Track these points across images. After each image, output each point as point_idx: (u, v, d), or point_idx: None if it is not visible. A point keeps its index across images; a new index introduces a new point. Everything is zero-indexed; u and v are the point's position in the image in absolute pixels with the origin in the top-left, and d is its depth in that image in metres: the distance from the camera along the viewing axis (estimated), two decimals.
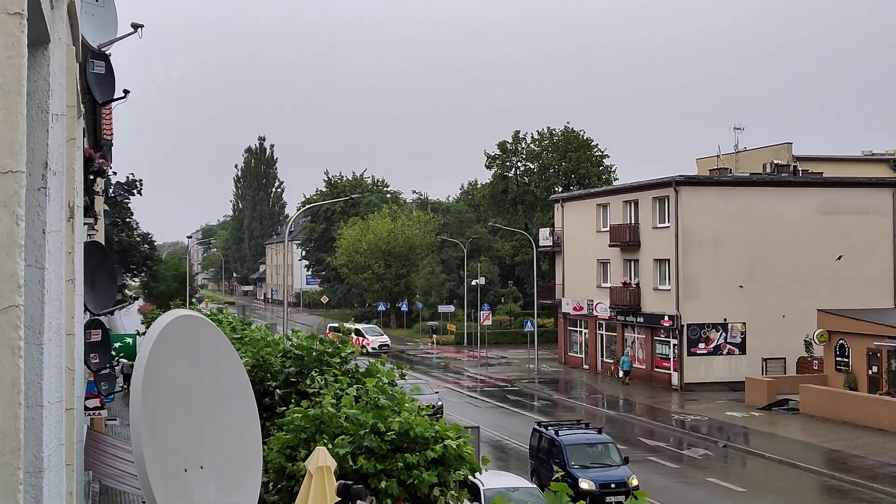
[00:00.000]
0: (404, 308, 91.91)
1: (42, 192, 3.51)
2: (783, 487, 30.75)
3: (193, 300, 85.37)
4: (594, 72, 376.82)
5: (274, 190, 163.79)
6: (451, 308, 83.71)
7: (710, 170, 62.19)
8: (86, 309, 12.51)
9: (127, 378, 34.29)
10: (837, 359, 44.80)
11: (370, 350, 66.01)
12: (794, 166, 60.85)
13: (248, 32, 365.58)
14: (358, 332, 66.92)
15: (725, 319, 52.65)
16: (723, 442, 37.94)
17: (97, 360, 15.58)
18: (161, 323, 4.63)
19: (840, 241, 53.72)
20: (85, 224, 12.37)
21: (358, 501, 8.59)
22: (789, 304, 52.01)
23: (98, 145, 16.55)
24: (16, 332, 2.30)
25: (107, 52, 12.15)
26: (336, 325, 67.33)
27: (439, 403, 39.98)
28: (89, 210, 14.60)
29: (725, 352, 52.80)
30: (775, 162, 60.87)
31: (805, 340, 48.94)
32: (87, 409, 17.74)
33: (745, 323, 52.69)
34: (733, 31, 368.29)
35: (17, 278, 2.30)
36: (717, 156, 67.37)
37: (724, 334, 52.80)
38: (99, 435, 20.92)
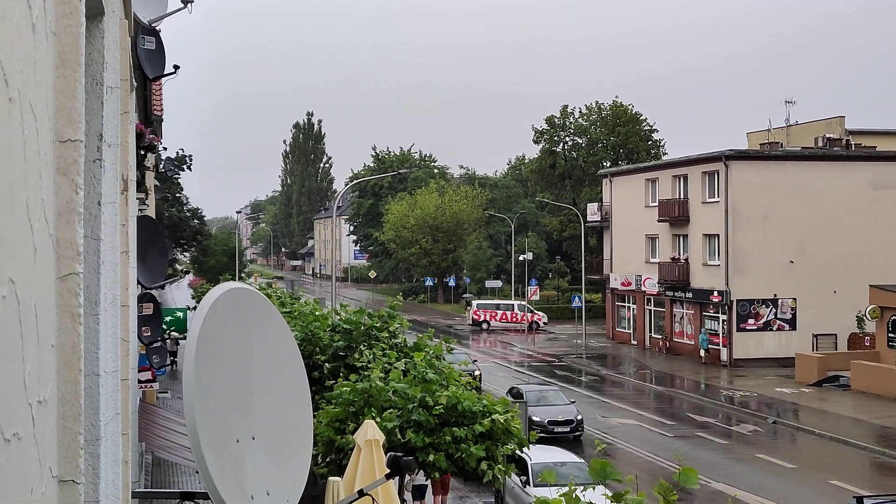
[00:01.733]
0: (451, 283, 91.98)
1: (97, 163, 3.54)
2: (833, 464, 30.49)
3: (242, 275, 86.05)
4: (644, 46, 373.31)
5: (322, 165, 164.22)
6: (499, 283, 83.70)
7: (760, 144, 61.38)
8: (138, 283, 12.65)
9: (174, 353, 34.73)
10: (890, 335, 44.20)
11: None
12: (847, 140, 59.90)
13: (297, 9, 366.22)
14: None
15: (775, 295, 52.15)
16: (772, 418, 37.65)
17: (149, 334, 15.79)
18: (213, 295, 4.65)
19: (893, 216, 52.89)
20: (136, 199, 12.49)
21: (407, 474, 8.64)
22: (841, 279, 51.37)
23: (148, 121, 16.69)
24: (76, 300, 2.32)
25: (157, 28, 12.23)
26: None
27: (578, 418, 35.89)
28: (140, 185, 14.74)
29: (775, 328, 52.33)
30: (827, 136, 59.96)
31: (857, 316, 48.30)
32: (139, 381, 17.98)
33: (795, 299, 52.16)
34: (785, 2, 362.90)
35: (76, 246, 2.33)
36: (768, 130, 66.50)
37: (773, 310, 52.32)
38: (151, 407, 21.19)
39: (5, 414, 1.40)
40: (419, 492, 21.98)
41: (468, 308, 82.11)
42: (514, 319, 72.51)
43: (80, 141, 2.35)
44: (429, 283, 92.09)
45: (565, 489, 7.20)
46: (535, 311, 74.07)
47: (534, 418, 31.84)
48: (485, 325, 74.09)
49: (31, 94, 1.75)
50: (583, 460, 25.44)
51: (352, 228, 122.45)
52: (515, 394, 35.16)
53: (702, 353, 53.72)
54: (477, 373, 40.26)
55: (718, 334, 53.36)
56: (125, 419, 5.37)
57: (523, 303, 73.93)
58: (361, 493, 5.81)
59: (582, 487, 7.27)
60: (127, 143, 6.16)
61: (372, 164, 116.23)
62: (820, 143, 58.71)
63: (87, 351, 2.98)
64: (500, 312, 72.61)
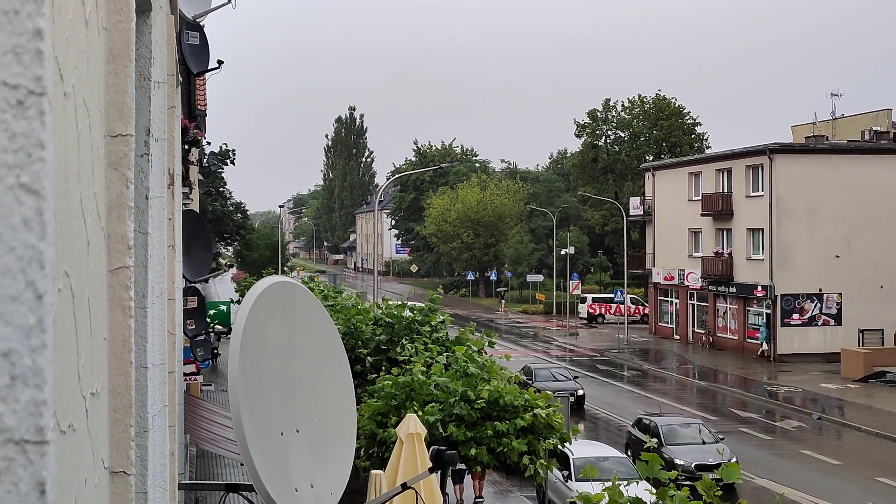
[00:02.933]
0: (493, 277, 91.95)
1: (145, 158, 3.58)
2: (880, 461, 30.16)
3: (285, 269, 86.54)
4: (687, 37, 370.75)
5: (364, 159, 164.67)
6: (540, 277, 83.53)
7: (805, 137, 60.74)
8: (183, 276, 12.76)
9: (216, 348, 34.99)
10: None
11: None
12: (894, 133, 59.14)
13: (340, 9, 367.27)
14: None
15: (821, 290, 51.62)
16: (817, 414, 37.30)
17: (193, 327, 15.90)
18: (258, 288, 4.68)
19: None
20: (181, 193, 12.60)
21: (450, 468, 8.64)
22: (887, 274, 50.78)
23: (193, 116, 16.82)
24: (126, 293, 2.35)
25: (201, 24, 12.32)
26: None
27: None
28: (185, 179, 14.86)
29: (820, 322, 51.81)
30: (874, 129, 59.23)
31: None
32: (184, 374, 18.14)
33: (840, 293, 51.60)
34: None
35: (127, 240, 2.36)
36: (814, 123, 65.75)
37: (818, 305, 51.80)
38: (195, 400, 21.38)
39: (62, 405, 1.42)
40: (458, 476, 22.04)
41: (502, 301, 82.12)
42: (628, 313, 71.93)
43: (131, 135, 2.37)
44: (470, 277, 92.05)
45: (608, 484, 7.19)
46: (645, 304, 73.51)
47: (676, 461, 26.11)
48: (599, 319, 74.10)
49: (85, 89, 1.77)
50: (625, 455, 25.36)
51: (393, 223, 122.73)
52: (643, 426, 29.36)
53: (764, 346, 52.56)
54: (581, 392, 38.04)
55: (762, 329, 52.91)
56: (172, 411, 5.42)
57: (635, 296, 73.94)
58: (405, 487, 5.83)
59: (626, 482, 7.24)
60: (173, 137, 6.22)
61: (413, 159, 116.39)
62: (866, 136, 58.01)
63: (136, 343, 3.01)
64: (614, 306, 72.11)
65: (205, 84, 23.01)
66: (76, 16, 1.65)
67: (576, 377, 39.78)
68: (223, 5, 13.91)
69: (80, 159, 1.68)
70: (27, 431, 1.06)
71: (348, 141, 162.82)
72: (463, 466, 21.33)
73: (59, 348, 1.38)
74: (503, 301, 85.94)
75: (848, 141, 57.87)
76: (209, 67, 12.42)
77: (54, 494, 1.08)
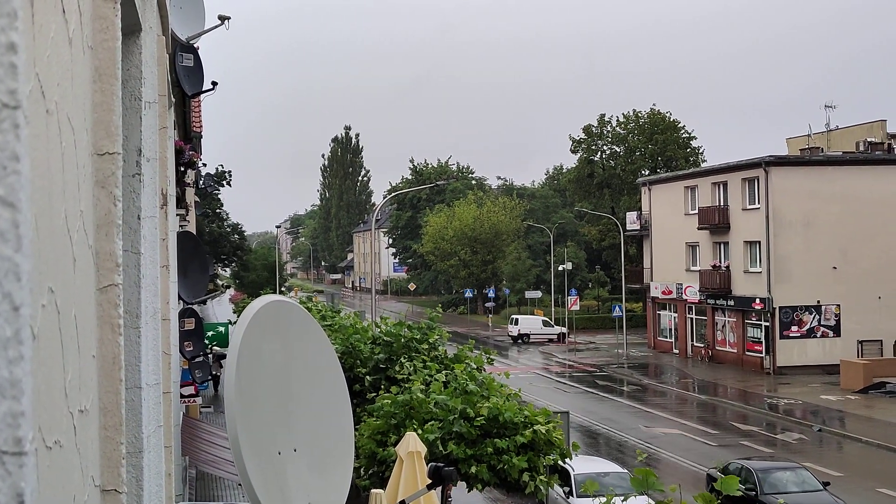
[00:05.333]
0: (491, 294, 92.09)
1: (137, 178, 3.58)
2: (882, 472, 30.09)
3: (283, 289, 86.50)
4: (679, 41, 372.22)
5: (360, 178, 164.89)
6: (538, 294, 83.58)
7: (800, 149, 60.87)
8: (179, 298, 12.75)
9: (217, 377, 34.91)
10: None
11: None
12: (889, 144, 59.29)
13: (330, 19, 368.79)
14: None
15: (819, 301, 51.63)
16: (818, 426, 37.25)
17: (191, 349, 15.86)
18: (254, 308, 4.67)
19: None
20: (177, 215, 12.60)
21: (449, 484, 8.62)
22: (885, 285, 50.82)
23: (188, 137, 16.84)
24: (115, 311, 2.35)
25: (195, 45, 12.35)
26: None
27: None
28: (181, 201, 14.85)
29: (819, 334, 51.80)
30: (869, 140, 59.36)
31: None
32: (182, 396, 18.09)
33: (839, 305, 51.61)
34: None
35: (115, 257, 2.36)
36: (808, 135, 65.95)
37: (817, 317, 51.80)
38: (194, 421, 21.33)
39: (47, 421, 1.42)
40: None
41: (489, 315, 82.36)
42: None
43: (118, 154, 2.37)
44: (468, 294, 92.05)
45: (616, 501, 7.16)
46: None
47: None
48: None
49: (69, 107, 1.78)
50: (626, 470, 25.32)
51: (391, 241, 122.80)
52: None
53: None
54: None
55: (761, 341, 52.90)
56: (168, 432, 5.40)
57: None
58: None
59: (622, 498, 7.22)
60: (166, 158, 6.23)
61: (410, 177, 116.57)
62: (861, 148, 58.13)
63: (129, 363, 3.01)
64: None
65: (200, 105, 23.04)
66: (59, 34, 1.66)
67: (826, 483, 26.07)
68: (217, 27, 13.94)
69: (64, 176, 1.68)
70: (5, 443, 1.05)
71: (344, 160, 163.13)
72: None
73: (44, 364, 1.38)
74: (490, 315, 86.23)
75: (843, 152, 58.02)
76: (204, 89, 12.45)
77: None
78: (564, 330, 69.75)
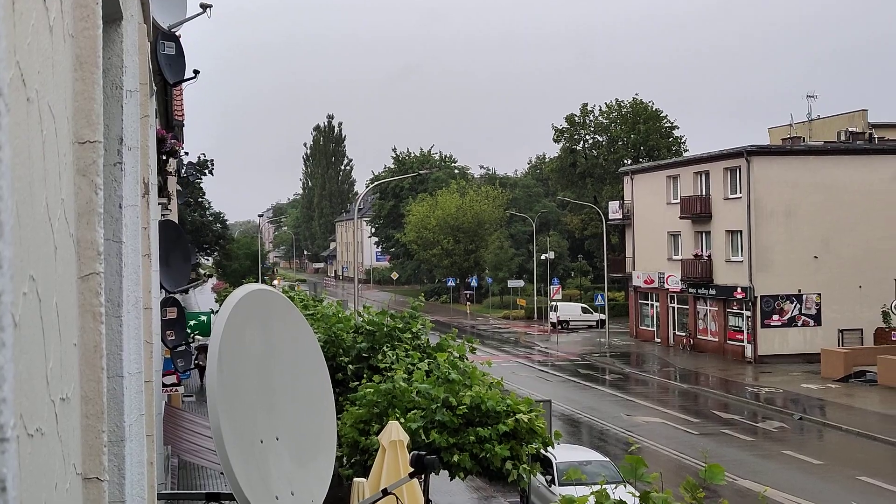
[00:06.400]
0: (474, 283, 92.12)
1: (118, 167, 3.57)
2: (861, 460, 30.30)
3: (265, 278, 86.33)
4: (664, 31, 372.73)
5: (343, 168, 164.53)
6: (521, 283, 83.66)
7: (782, 139, 61.06)
8: (161, 287, 12.72)
9: (199, 355, 34.81)
10: None
11: None
12: (870, 133, 59.52)
13: (313, 9, 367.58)
14: None
15: (800, 291, 51.88)
16: (798, 414, 37.46)
17: (173, 338, 15.83)
18: (235, 297, 4.67)
19: None
20: (159, 204, 12.55)
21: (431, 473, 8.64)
22: (866, 274, 51.08)
23: (170, 126, 16.77)
24: (97, 299, 2.34)
25: (177, 34, 12.29)
26: None
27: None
28: (163, 190, 14.80)
29: (800, 323, 52.06)
30: (850, 130, 59.61)
31: (882, 311, 48.03)
32: (164, 385, 18.05)
33: (819, 294, 51.87)
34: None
35: (96, 246, 2.35)
36: (790, 125, 66.11)
37: (798, 306, 52.05)
38: (176, 411, 21.30)
39: (28, 409, 1.42)
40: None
41: (468, 303, 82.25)
42: None
43: (99, 142, 2.37)
44: (451, 283, 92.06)
45: (591, 488, 7.18)
46: None
47: None
48: None
49: (50, 95, 1.77)
50: (608, 459, 25.40)
51: (373, 230, 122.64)
52: None
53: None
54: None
55: (743, 331, 53.14)
56: (150, 421, 5.40)
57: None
58: (385, 492, 5.83)
59: (608, 486, 7.23)
60: (147, 146, 6.20)
61: (392, 166, 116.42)
62: (843, 138, 58.37)
63: (111, 352, 3.00)
64: None
65: (182, 94, 22.95)
66: (39, 22, 1.65)
67: None
68: (198, 15, 13.88)
69: (45, 164, 1.68)
70: None
71: (327, 149, 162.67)
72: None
73: (25, 351, 1.38)
74: (469, 303, 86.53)
75: (825, 142, 58.21)
76: (185, 77, 12.39)
77: (17, 493, 1.08)
78: (604, 317, 69.84)
